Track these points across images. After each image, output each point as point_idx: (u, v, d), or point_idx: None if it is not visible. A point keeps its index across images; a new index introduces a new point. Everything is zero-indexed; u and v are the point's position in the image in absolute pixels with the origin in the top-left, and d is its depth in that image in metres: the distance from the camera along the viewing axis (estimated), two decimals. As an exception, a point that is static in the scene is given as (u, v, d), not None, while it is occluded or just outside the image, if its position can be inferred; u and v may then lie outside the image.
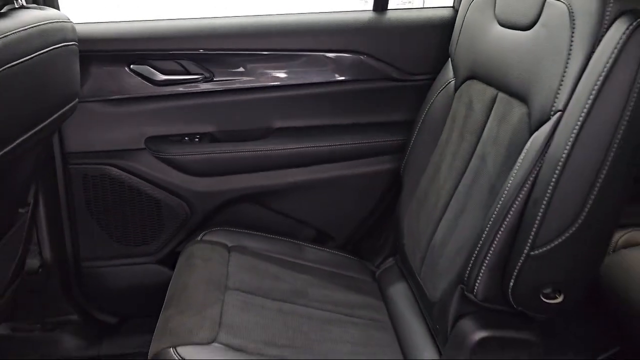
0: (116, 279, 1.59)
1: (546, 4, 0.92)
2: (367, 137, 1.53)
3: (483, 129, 1.10)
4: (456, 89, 1.27)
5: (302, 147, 1.50)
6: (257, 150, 1.50)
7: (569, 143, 0.78)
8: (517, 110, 0.98)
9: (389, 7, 1.51)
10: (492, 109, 1.09)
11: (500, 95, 1.06)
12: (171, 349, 0.98)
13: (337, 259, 1.46)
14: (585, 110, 0.76)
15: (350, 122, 1.53)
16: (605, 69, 0.74)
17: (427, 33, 1.46)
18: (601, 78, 0.75)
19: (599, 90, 0.75)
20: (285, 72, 1.48)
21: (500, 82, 1.07)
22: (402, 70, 1.48)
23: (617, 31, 0.74)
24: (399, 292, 1.32)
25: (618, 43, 0.74)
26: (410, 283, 1.30)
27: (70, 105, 1.20)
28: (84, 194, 1.49)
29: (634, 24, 0.73)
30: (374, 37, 1.47)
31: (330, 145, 1.51)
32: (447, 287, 1.05)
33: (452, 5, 1.50)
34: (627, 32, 0.73)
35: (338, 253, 1.50)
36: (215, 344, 1.01)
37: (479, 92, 1.15)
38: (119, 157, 1.47)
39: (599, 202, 0.79)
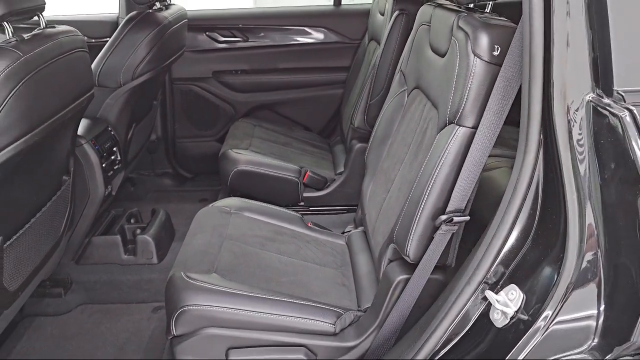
0: (193, 149, 2.95)
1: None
2: (328, 73, 2.85)
3: (365, 53, 2.41)
4: (367, 44, 2.58)
5: (294, 78, 2.84)
6: (270, 79, 2.84)
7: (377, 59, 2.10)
8: (373, 48, 2.30)
9: (342, 4, 2.84)
10: (367, 46, 2.40)
11: (372, 42, 2.38)
12: (229, 150, 2.33)
13: (310, 135, 2.81)
14: (382, 45, 2.07)
15: (319, 65, 2.85)
16: (389, 32, 2.05)
17: (358, 17, 2.77)
18: (386, 34, 2.06)
19: (386, 40, 2.06)
20: (286, 37, 2.81)
21: (373, 36, 2.38)
22: (347, 37, 2.79)
23: (393, 17, 2.04)
24: (338, 148, 2.66)
25: (393, 21, 2.04)
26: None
27: (182, 51, 2.54)
28: (180, 101, 2.85)
29: (396, 15, 2.03)
30: (333, 19, 2.80)
31: (308, 77, 2.84)
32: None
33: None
34: (394, 18, 2.04)
35: (311, 132, 2.85)
36: (249, 150, 2.36)
37: (372, 44, 2.47)
38: (198, 81, 2.83)
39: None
